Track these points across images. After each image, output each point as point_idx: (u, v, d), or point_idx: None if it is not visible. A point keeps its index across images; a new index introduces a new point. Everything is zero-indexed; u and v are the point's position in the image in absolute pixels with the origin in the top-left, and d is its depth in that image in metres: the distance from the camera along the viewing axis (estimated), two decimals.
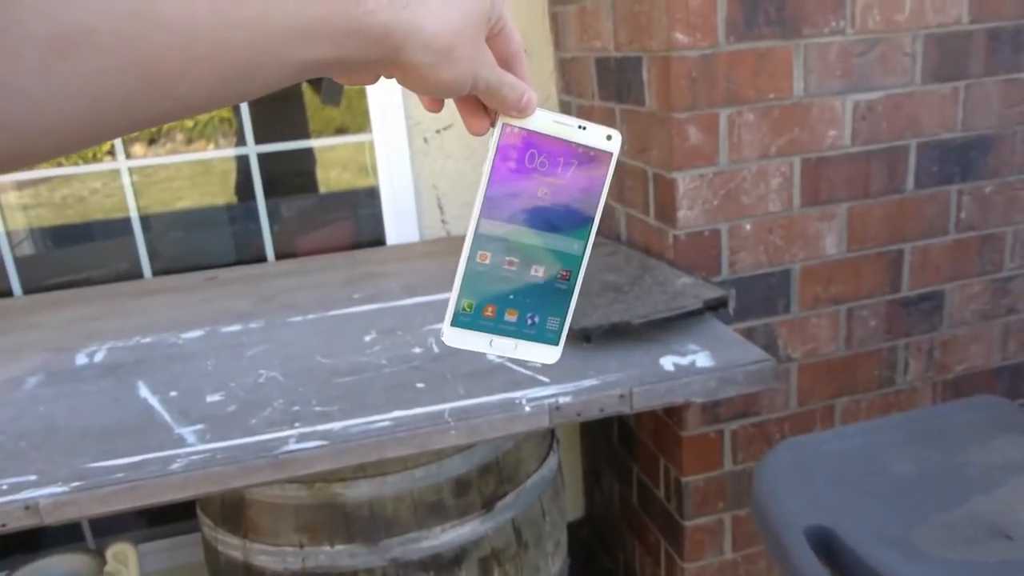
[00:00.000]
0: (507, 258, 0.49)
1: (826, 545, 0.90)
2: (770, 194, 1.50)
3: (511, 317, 0.50)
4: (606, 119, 1.71)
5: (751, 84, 1.42)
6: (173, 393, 1.23)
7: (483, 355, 0.50)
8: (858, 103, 1.49)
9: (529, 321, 0.51)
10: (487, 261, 0.49)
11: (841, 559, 0.88)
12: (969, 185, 1.62)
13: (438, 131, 1.97)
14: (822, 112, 1.47)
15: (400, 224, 2.04)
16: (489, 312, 0.50)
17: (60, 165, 1.89)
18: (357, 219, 2.12)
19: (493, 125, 0.48)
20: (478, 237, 0.49)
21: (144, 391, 1.25)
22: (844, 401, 1.69)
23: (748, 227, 1.50)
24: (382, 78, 0.44)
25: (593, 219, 0.50)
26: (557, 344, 0.52)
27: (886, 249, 1.61)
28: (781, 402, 1.64)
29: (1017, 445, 1.06)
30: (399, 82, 0.44)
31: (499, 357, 0.51)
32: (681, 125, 1.41)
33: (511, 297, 0.50)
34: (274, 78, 0.38)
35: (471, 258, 0.49)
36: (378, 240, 2.07)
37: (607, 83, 1.68)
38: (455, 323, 0.50)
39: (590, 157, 0.49)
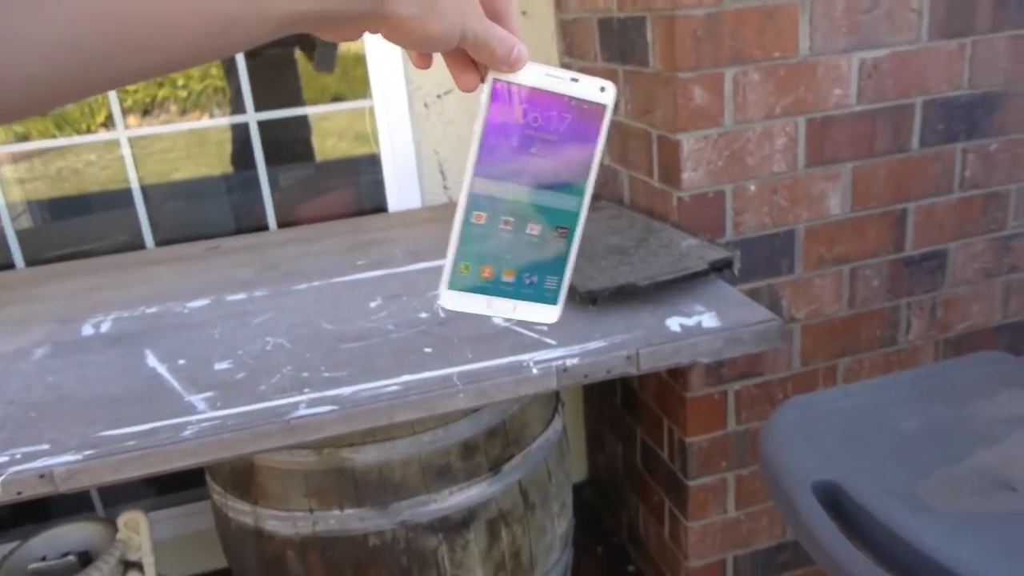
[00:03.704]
0: (503, 217, 0.48)
1: (834, 500, 0.91)
2: (775, 154, 1.49)
3: (508, 278, 0.49)
4: (609, 80, 1.69)
5: (756, 43, 1.40)
6: (181, 361, 1.23)
7: (485, 318, 0.49)
8: (864, 61, 1.47)
9: (527, 281, 0.50)
10: (482, 221, 0.48)
11: (849, 513, 0.89)
12: (974, 143, 1.61)
13: (439, 96, 1.95)
14: (828, 71, 1.46)
15: (402, 190, 2.03)
16: (486, 273, 0.49)
17: (55, 137, 1.88)
18: (358, 186, 2.11)
19: (483, 80, 0.47)
20: (472, 197, 0.47)
21: (152, 360, 1.25)
22: (847, 361, 1.69)
23: (752, 188, 1.50)
24: (367, 33, 0.43)
25: (589, 174, 0.48)
26: (556, 303, 0.51)
27: (890, 209, 1.60)
28: (784, 363, 1.65)
29: (1021, 399, 1.07)
30: (385, 36, 0.43)
31: (499, 319, 0.51)
32: (685, 85, 1.40)
33: (508, 257, 0.49)
34: (256, 32, 0.38)
35: (466, 219, 0.48)
36: (380, 207, 2.06)
37: (610, 44, 1.66)
38: (452, 286, 0.49)
39: (584, 110, 0.47)
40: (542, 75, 0.47)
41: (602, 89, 0.48)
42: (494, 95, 0.46)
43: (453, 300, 0.49)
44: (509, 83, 0.46)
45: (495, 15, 0.45)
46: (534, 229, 0.49)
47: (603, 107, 0.48)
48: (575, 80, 0.47)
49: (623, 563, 2.11)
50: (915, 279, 1.67)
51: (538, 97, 0.47)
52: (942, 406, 1.06)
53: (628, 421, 1.96)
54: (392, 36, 0.42)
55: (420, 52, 0.46)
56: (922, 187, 1.61)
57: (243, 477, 1.38)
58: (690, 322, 1.21)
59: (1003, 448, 0.96)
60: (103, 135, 1.89)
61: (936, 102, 1.55)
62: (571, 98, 0.47)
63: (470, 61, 0.47)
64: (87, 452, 0.99)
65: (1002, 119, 1.61)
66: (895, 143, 1.56)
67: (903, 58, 1.50)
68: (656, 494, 1.86)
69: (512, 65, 0.46)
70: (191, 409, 1.08)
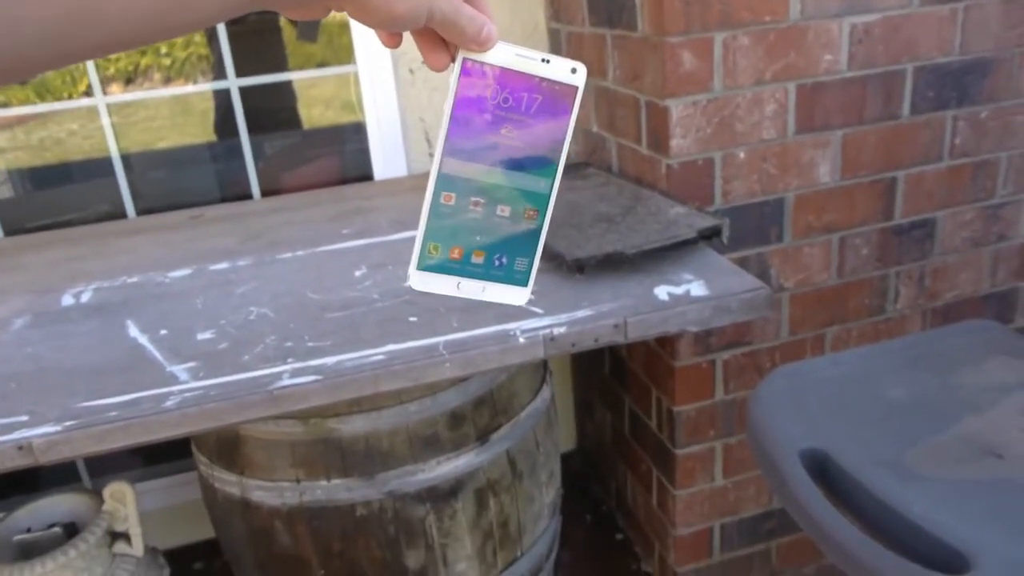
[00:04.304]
0: (472, 199, 0.48)
1: (821, 468, 0.91)
2: (764, 121, 1.47)
3: (478, 259, 0.49)
4: (597, 46, 1.67)
5: (746, 6, 1.38)
6: (163, 332, 1.22)
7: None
8: (855, 26, 1.45)
9: (497, 263, 0.50)
10: (451, 202, 0.48)
11: (836, 481, 0.89)
12: (965, 111, 1.60)
13: (423, 62, 1.92)
14: (818, 35, 1.44)
15: (387, 158, 2.00)
16: (455, 254, 0.49)
17: (35, 104, 1.83)
18: (343, 154, 2.08)
19: (453, 60, 0.46)
20: (441, 177, 0.47)
21: (133, 330, 1.23)
22: (835, 330, 1.69)
23: (742, 155, 1.48)
24: (332, 12, 0.43)
25: (560, 155, 0.48)
26: (526, 285, 0.51)
27: (880, 177, 1.59)
28: (772, 331, 1.65)
29: (1008, 367, 1.07)
30: (350, 15, 0.42)
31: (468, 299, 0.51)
32: (674, 50, 1.38)
33: (477, 238, 0.49)
34: (216, 10, 0.37)
35: (435, 200, 0.47)
36: (365, 175, 2.03)
37: (597, 8, 1.63)
38: (421, 266, 0.48)
39: (555, 91, 0.47)
40: (512, 55, 0.46)
41: (573, 70, 0.47)
42: (464, 74, 0.46)
43: (422, 281, 0.49)
44: (479, 62, 0.46)
45: None
46: (504, 210, 0.49)
47: (574, 88, 0.48)
48: (546, 61, 0.47)
49: (611, 532, 2.13)
50: (904, 248, 1.67)
51: (508, 77, 0.46)
52: (930, 374, 1.06)
53: (616, 390, 1.96)
54: (357, 15, 0.42)
55: (387, 31, 0.45)
56: (912, 155, 1.60)
57: (229, 448, 1.37)
58: (678, 291, 1.20)
59: (990, 416, 0.96)
60: (81, 102, 1.85)
61: (927, 68, 1.54)
62: (542, 79, 0.47)
63: (439, 39, 0.46)
64: (67, 423, 0.98)
65: (992, 86, 1.60)
66: (885, 110, 1.54)
67: (895, 23, 1.48)
68: (644, 463, 1.87)
69: (482, 44, 0.45)
70: (173, 379, 1.06)
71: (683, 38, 1.37)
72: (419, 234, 0.48)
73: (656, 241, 1.28)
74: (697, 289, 1.20)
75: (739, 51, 1.40)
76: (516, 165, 0.48)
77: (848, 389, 1.05)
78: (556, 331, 1.11)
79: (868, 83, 1.51)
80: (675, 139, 1.43)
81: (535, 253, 0.50)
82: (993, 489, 0.85)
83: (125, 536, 1.50)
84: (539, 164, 0.48)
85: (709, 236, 1.32)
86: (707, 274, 1.25)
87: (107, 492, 1.49)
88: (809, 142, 1.51)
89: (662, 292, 1.20)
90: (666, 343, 1.61)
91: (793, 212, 1.56)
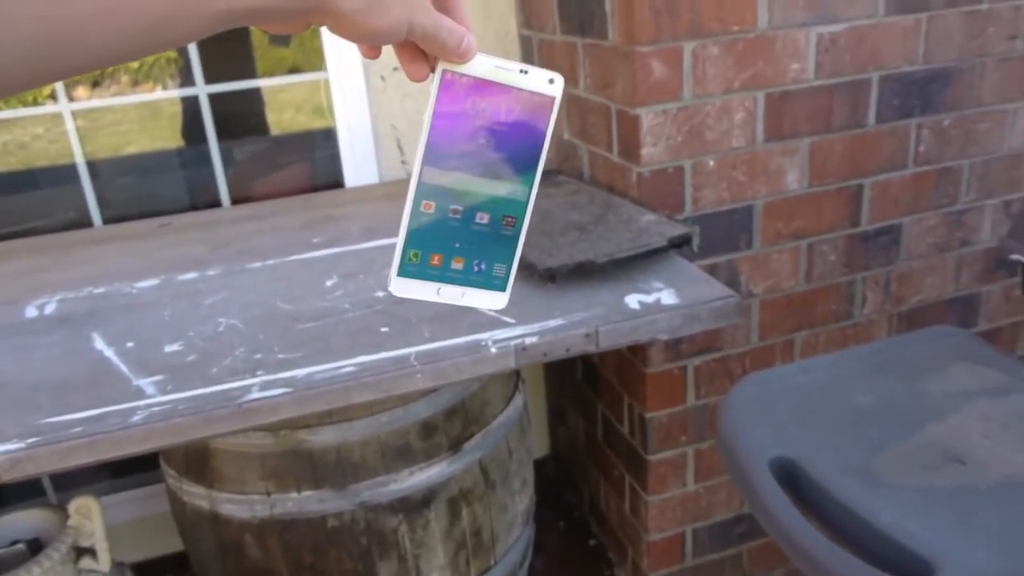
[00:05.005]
0: (451, 206, 0.49)
1: (790, 476, 0.92)
2: (734, 129, 1.48)
3: (458, 265, 0.50)
4: (568, 54, 1.67)
5: (715, 16, 1.39)
6: (130, 344, 1.20)
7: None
8: (822, 35, 1.47)
9: (476, 269, 0.51)
10: (431, 210, 0.49)
11: (805, 489, 0.90)
12: (929, 119, 1.63)
13: (395, 68, 1.91)
14: (786, 45, 1.46)
15: (359, 166, 1.99)
16: (435, 261, 0.50)
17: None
18: (314, 161, 2.06)
19: (433, 71, 0.47)
20: (421, 186, 0.48)
21: (99, 343, 1.21)
22: (803, 335, 1.71)
23: (712, 163, 1.49)
24: (311, 26, 0.43)
25: (537, 164, 0.50)
26: (504, 290, 0.52)
27: (846, 184, 1.61)
28: (742, 337, 1.66)
29: (971, 373, 1.09)
30: (331, 30, 0.42)
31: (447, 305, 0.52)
32: (644, 59, 1.38)
33: (457, 245, 0.50)
34: (193, 29, 0.37)
35: (415, 207, 0.49)
36: (336, 183, 2.02)
37: (569, 16, 1.63)
38: (401, 273, 0.50)
39: (533, 102, 0.48)
40: (491, 66, 0.47)
41: (551, 81, 0.49)
42: (443, 86, 0.47)
43: (403, 287, 0.50)
44: (458, 74, 0.47)
45: (443, 6, 0.45)
46: (483, 218, 0.50)
47: (551, 99, 0.49)
48: (524, 72, 0.48)
49: (584, 537, 2.13)
50: (870, 254, 1.69)
51: (487, 88, 0.48)
52: (896, 380, 1.08)
53: (589, 396, 1.97)
54: (337, 30, 0.42)
55: (368, 45, 0.46)
56: (877, 162, 1.62)
57: (198, 461, 1.35)
58: (649, 299, 1.21)
59: (953, 422, 0.97)
60: (44, 108, 1.81)
61: (892, 77, 1.56)
62: (520, 90, 0.48)
63: (419, 51, 0.47)
64: (31, 440, 0.96)
65: (955, 95, 1.63)
66: (852, 118, 1.56)
67: (860, 33, 1.50)
68: (617, 469, 1.87)
69: (462, 56, 0.46)
70: (140, 394, 1.05)
71: (653, 47, 1.38)
72: (399, 241, 0.49)
73: (627, 249, 1.29)
74: (668, 298, 1.21)
75: (708, 60, 1.42)
76: (495, 174, 0.49)
77: (817, 396, 1.07)
78: (528, 341, 1.11)
79: (835, 92, 1.53)
80: (646, 147, 1.44)
81: (513, 259, 0.51)
82: (957, 496, 0.86)
83: (91, 551, 1.47)
84: (517, 173, 0.49)
85: (679, 244, 1.33)
86: (677, 282, 1.26)
87: (72, 507, 1.46)
88: (777, 150, 1.53)
89: (633, 301, 1.21)
90: (638, 350, 1.62)
91: (762, 219, 1.57)
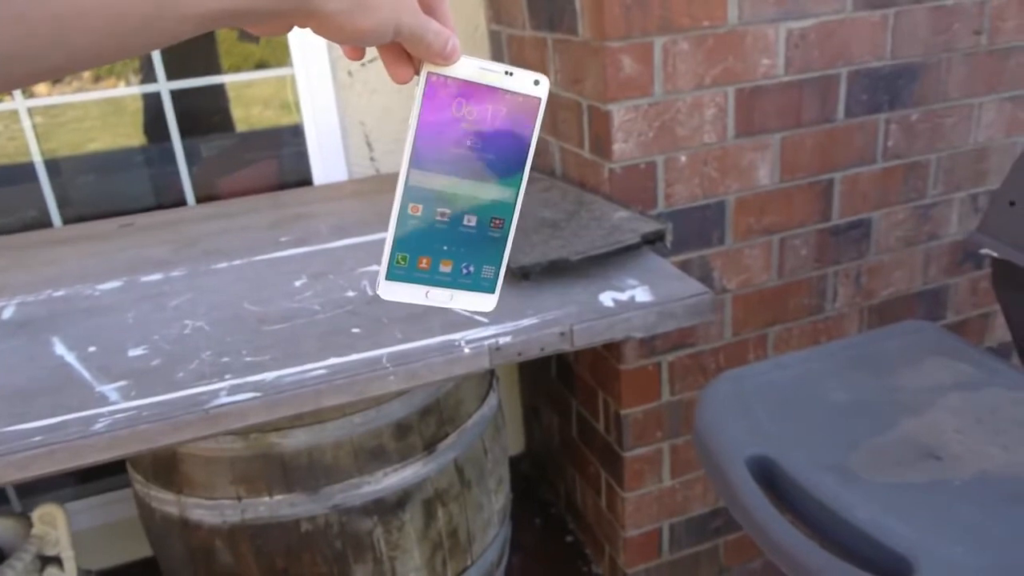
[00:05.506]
0: (439, 209, 0.49)
1: (767, 474, 0.91)
2: (705, 125, 1.48)
3: (446, 268, 0.50)
4: (538, 49, 1.66)
5: (686, 11, 1.38)
6: (92, 349, 1.16)
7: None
8: (791, 31, 1.47)
9: (464, 271, 0.51)
10: (419, 213, 0.48)
11: (781, 487, 0.90)
12: (896, 114, 1.64)
13: (363, 64, 1.88)
14: (756, 40, 1.45)
15: (327, 163, 1.96)
16: (423, 264, 0.50)
17: None
18: (281, 158, 2.03)
19: (418, 73, 0.47)
20: (408, 189, 0.48)
21: (60, 348, 1.18)
22: (776, 330, 1.72)
23: (683, 159, 1.49)
24: (296, 28, 0.42)
25: (524, 166, 0.50)
26: (493, 292, 0.52)
27: (817, 179, 1.62)
28: (716, 333, 1.66)
29: (943, 367, 1.09)
30: (315, 31, 0.41)
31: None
32: (615, 55, 1.37)
33: (445, 248, 0.50)
34: (175, 30, 0.36)
35: (402, 211, 0.48)
36: (304, 180, 1.99)
37: (538, 11, 1.62)
38: (390, 276, 0.49)
39: (518, 103, 0.48)
40: (476, 68, 0.47)
41: (536, 82, 0.49)
42: (429, 88, 0.47)
43: (391, 291, 0.50)
44: (444, 76, 0.47)
45: (428, 8, 0.45)
46: (470, 220, 0.50)
47: (537, 100, 0.49)
48: (509, 73, 0.48)
49: (561, 534, 2.13)
50: (841, 248, 1.71)
51: (472, 90, 0.47)
52: (869, 376, 1.08)
53: (564, 394, 1.96)
54: (321, 31, 0.41)
55: (352, 46, 0.45)
56: (847, 157, 1.63)
57: (165, 466, 1.32)
58: (623, 297, 1.20)
59: (927, 417, 0.98)
60: (1, 105, 1.76)
61: (860, 72, 1.57)
62: (505, 91, 0.48)
63: (404, 53, 0.46)
64: None
65: (922, 90, 1.64)
66: (821, 113, 1.57)
67: (829, 28, 1.50)
68: (592, 465, 1.87)
69: (447, 58, 0.46)
70: (103, 400, 1.02)
71: (623, 43, 1.37)
72: (387, 245, 0.49)
73: (601, 247, 1.28)
74: (642, 295, 1.20)
75: (679, 56, 1.41)
76: (481, 176, 0.49)
77: (792, 392, 1.07)
78: (502, 340, 1.10)
79: (804, 87, 1.53)
80: (617, 143, 1.43)
81: (501, 261, 0.52)
82: (932, 491, 0.86)
83: (57, 560, 1.43)
84: (504, 174, 0.50)
85: (652, 240, 1.32)
86: (651, 279, 1.25)
87: (36, 515, 1.42)
88: (748, 145, 1.53)
89: (607, 298, 1.20)
90: (612, 347, 1.61)
91: (734, 214, 1.57)
